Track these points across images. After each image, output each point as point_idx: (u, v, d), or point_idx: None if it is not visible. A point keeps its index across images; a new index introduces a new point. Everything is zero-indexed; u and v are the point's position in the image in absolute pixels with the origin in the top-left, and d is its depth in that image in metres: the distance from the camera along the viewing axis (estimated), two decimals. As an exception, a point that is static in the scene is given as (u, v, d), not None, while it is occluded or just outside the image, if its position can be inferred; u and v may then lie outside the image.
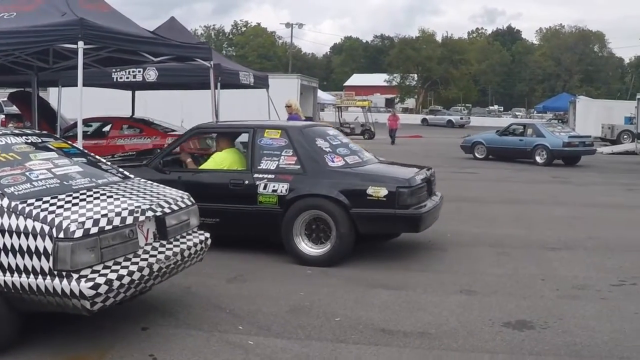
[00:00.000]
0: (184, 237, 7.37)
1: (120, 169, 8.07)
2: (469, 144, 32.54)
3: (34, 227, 5.81)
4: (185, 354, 6.38)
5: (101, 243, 5.97)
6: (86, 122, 13.91)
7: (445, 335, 7.04)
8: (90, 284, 5.74)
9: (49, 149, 7.43)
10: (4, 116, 29.06)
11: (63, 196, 6.36)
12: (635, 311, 7.86)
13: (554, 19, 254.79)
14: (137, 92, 21.83)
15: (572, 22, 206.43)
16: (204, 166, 11.07)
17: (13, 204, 5.98)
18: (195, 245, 7.38)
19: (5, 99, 28.05)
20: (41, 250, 5.76)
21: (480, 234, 12.29)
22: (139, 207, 6.67)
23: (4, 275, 5.89)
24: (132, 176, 7.93)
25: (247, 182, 10.25)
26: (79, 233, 5.78)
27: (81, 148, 8.56)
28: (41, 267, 5.77)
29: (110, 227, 6.10)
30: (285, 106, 17.30)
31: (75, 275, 5.75)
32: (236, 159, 10.92)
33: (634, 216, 15.47)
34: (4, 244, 5.87)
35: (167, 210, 7.07)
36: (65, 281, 5.73)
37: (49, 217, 5.85)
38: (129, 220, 6.38)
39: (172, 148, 11.51)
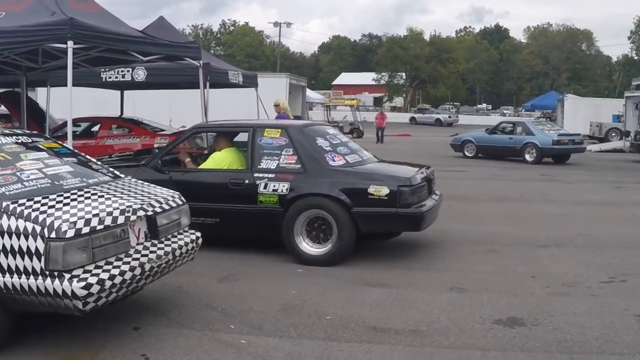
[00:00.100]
0: (175, 236, 7.36)
1: (111, 169, 8.05)
2: (459, 143, 32.59)
3: (25, 227, 5.79)
4: (178, 353, 6.38)
5: (93, 243, 5.96)
6: (75, 122, 13.89)
7: (436, 332, 7.06)
8: (82, 284, 5.73)
9: (39, 149, 7.42)
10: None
11: (54, 196, 6.35)
12: (625, 307, 7.89)
13: (542, 18, 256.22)
14: (125, 92, 21.79)
15: (560, 20, 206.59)
16: (203, 166, 11.03)
17: (4, 204, 5.96)
18: (186, 244, 7.38)
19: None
20: (33, 250, 5.75)
21: (470, 231, 12.31)
22: (130, 206, 6.66)
23: (-4, 276, 5.88)
24: (122, 176, 7.92)
25: (247, 181, 10.21)
26: (70, 233, 5.77)
27: (71, 148, 8.53)
28: (33, 268, 5.76)
29: (101, 226, 6.09)
30: (274, 105, 17.28)
31: (67, 275, 5.74)
32: (235, 159, 10.89)
33: (622, 213, 15.53)
34: (-4, 244, 5.85)
35: (158, 210, 7.07)
36: (57, 281, 5.72)
37: (41, 217, 5.83)
38: (121, 219, 6.37)
39: (170, 148, 11.46)
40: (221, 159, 10.88)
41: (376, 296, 8.36)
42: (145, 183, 7.97)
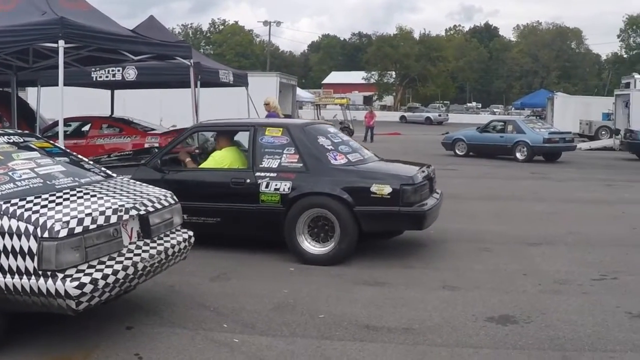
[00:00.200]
0: (168, 235, 7.35)
1: (103, 168, 8.04)
2: (450, 141, 32.62)
3: (18, 227, 5.78)
4: (171, 352, 6.38)
5: (86, 242, 5.95)
6: (65, 121, 13.86)
7: (429, 330, 7.07)
8: (76, 283, 5.72)
9: (31, 149, 7.40)
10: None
11: (47, 196, 6.33)
12: (617, 305, 7.92)
13: (531, 16, 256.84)
14: (115, 91, 21.74)
15: (549, 18, 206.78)
16: (204, 165, 10.97)
17: (-3, 204, 5.96)
18: (178, 243, 7.37)
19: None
20: (26, 250, 5.73)
21: (462, 230, 12.33)
22: (123, 205, 6.65)
23: (-11, 276, 5.86)
24: (114, 175, 7.91)
25: (248, 180, 10.16)
26: (63, 232, 5.76)
27: (63, 147, 8.52)
28: (26, 267, 5.74)
29: (94, 226, 6.08)
30: (264, 104, 17.28)
31: (60, 275, 5.72)
32: (236, 158, 10.86)
33: (613, 211, 15.57)
34: (-12, 244, 5.84)
35: (151, 209, 7.06)
36: (50, 281, 5.71)
37: (33, 217, 5.82)
38: (113, 219, 6.37)
39: (171, 147, 11.37)
40: (222, 158, 10.84)
41: (369, 294, 8.37)
42: (138, 182, 7.96)
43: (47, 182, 6.71)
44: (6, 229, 5.80)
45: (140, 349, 6.42)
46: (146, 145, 18.06)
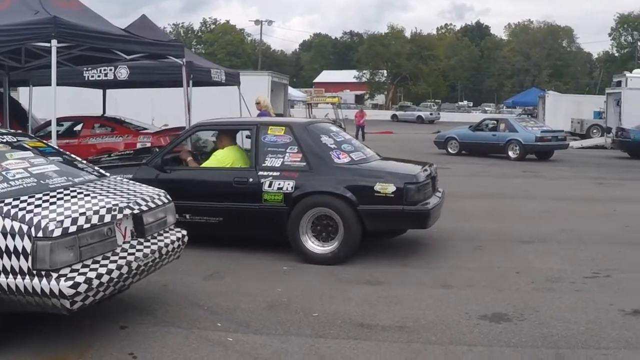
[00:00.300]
0: (161, 234, 7.35)
1: (96, 168, 8.03)
2: (442, 140, 32.67)
3: (12, 226, 5.77)
4: (165, 351, 6.38)
5: (80, 242, 5.95)
6: (57, 121, 13.79)
7: (423, 328, 7.09)
8: (70, 283, 5.71)
9: (24, 148, 7.39)
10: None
11: (40, 195, 6.33)
12: (609, 302, 7.94)
13: (523, 15, 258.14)
14: (107, 91, 21.70)
15: (541, 17, 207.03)
16: (206, 164, 10.91)
17: (-10, 203, 5.95)
18: (172, 242, 7.36)
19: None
20: (20, 249, 5.72)
21: (454, 228, 12.33)
22: (117, 205, 6.64)
23: (-17, 276, 5.85)
24: (107, 174, 7.90)
25: (251, 180, 10.12)
26: (57, 232, 5.75)
27: (56, 147, 8.50)
28: (20, 267, 5.73)
29: (88, 225, 6.08)
30: (255, 103, 17.30)
31: (54, 275, 5.71)
32: (238, 157, 10.83)
33: (604, 209, 15.60)
34: (-18, 244, 5.83)
35: (144, 208, 7.06)
36: (44, 280, 5.70)
37: (27, 217, 5.81)
38: (107, 218, 6.36)
39: (172, 146, 11.30)
40: (224, 157, 10.79)
41: (362, 293, 8.38)
42: (131, 181, 7.96)
43: (41, 181, 6.71)
44: (0, 228, 5.79)
45: (134, 348, 6.42)
46: (138, 145, 18.06)
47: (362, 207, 9.67)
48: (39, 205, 6.07)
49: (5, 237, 5.76)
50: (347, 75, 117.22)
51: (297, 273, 9.36)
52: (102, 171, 7.94)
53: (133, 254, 6.59)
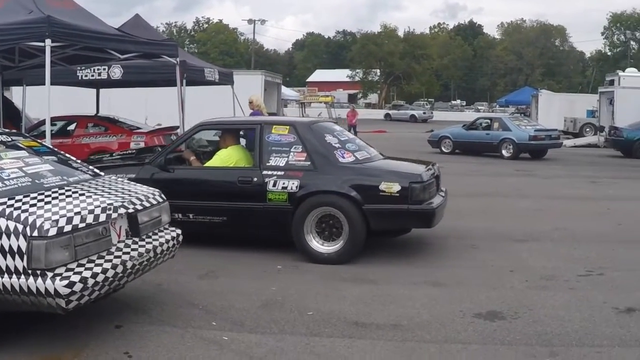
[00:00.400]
0: (156, 233, 7.35)
1: (91, 167, 8.03)
2: (436, 139, 32.69)
3: (7, 226, 5.76)
4: (160, 350, 6.38)
5: (75, 241, 5.94)
6: (51, 121, 13.76)
7: (417, 327, 7.11)
8: (65, 282, 5.72)
9: (19, 148, 7.38)
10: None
11: (35, 194, 6.32)
12: (603, 300, 7.97)
13: (515, 14, 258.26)
14: (100, 90, 21.68)
15: (533, 16, 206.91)
16: (209, 163, 10.86)
17: (-15, 203, 5.95)
18: (167, 241, 7.37)
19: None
20: (15, 249, 5.72)
21: (448, 227, 12.30)
22: (112, 204, 6.64)
23: (-22, 276, 5.84)
24: (102, 174, 7.90)
25: (255, 179, 10.08)
26: (53, 231, 5.75)
27: (51, 146, 8.50)
28: (15, 267, 5.73)
29: (83, 224, 6.08)
30: (248, 102, 17.31)
31: (50, 274, 5.72)
32: (242, 156, 10.79)
33: (598, 208, 15.64)
34: (-23, 244, 5.82)
35: (139, 207, 7.06)
36: (40, 280, 5.70)
37: (23, 216, 5.81)
38: (102, 217, 6.36)
39: (175, 145, 11.24)
40: (228, 157, 10.75)
41: (357, 292, 8.39)
42: (126, 181, 7.97)
43: (36, 181, 6.70)
44: (-5, 228, 5.79)
45: (129, 347, 6.42)
46: (132, 145, 18.07)
47: (367, 206, 9.66)
48: (34, 205, 6.06)
49: (0, 236, 5.76)
50: (340, 75, 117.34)
51: (291, 272, 9.38)
52: (97, 170, 7.94)
53: (128, 253, 6.60)
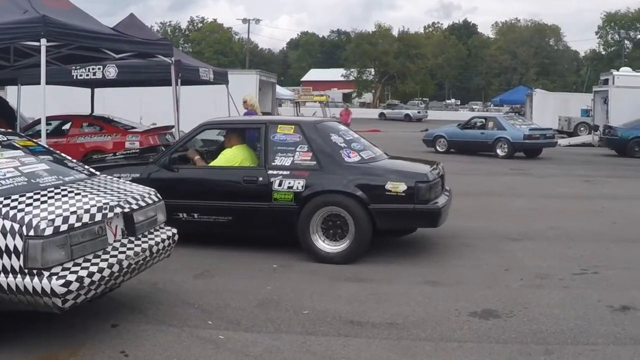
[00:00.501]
0: (152, 233, 7.36)
1: (86, 166, 8.03)
2: (431, 138, 32.71)
3: (3, 225, 5.77)
4: (156, 349, 6.39)
5: (71, 240, 5.95)
6: (46, 120, 13.74)
7: (413, 325, 7.13)
8: (62, 281, 5.72)
9: (15, 147, 7.39)
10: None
11: (31, 194, 6.33)
12: (598, 299, 8.00)
13: (510, 13, 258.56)
14: (95, 90, 21.66)
15: (528, 15, 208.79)
16: (214, 163, 10.83)
17: (-19, 202, 5.95)
18: (162, 241, 7.38)
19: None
20: (11, 248, 5.73)
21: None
22: (107, 203, 6.66)
23: (-26, 275, 5.85)
24: (98, 173, 7.90)
25: (261, 179, 10.05)
26: (49, 231, 5.76)
27: (46, 146, 8.50)
28: (11, 266, 5.74)
29: (79, 224, 6.09)
30: (242, 102, 17.32)
31: (46, 273, 5.72)
32: (247, 156, 10.75)
33: (592, 207, 15.69)
34: (-27, 243, 5.82)
35: (135, 207, 7.07)
36: (36, 279, 5.71)
37: (19, 215, 5.82)
38: (98, 217, 6.37)
39: (180, 145, 11.20)
40: (233, 156, 10.71)
41: (352, 290, 8.41)
42: (121, 180, 7.98)
43: (32, 180, 6.70)
44: (-9, 227, 5.79)
45: (126, 346, 6.43)
46: (127, 144, 18.08)
47: (373, 206, 9.65)
48: (30, 204, 6.07)
49: (-4, 236, 5.77)
50: (335, 74, 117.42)
51: (287, 271, 9.38)
52: (92, 170, 7.94)
53: (124, 252, 6.60)
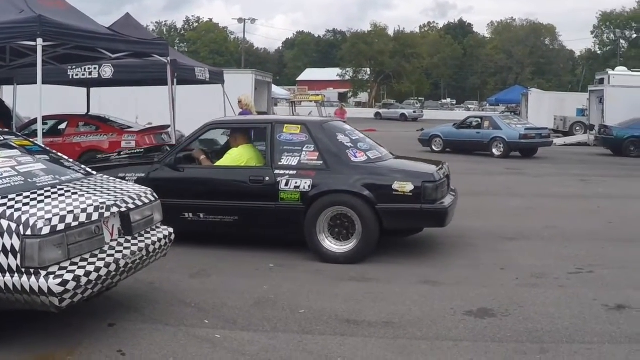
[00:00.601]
0: (148, 232, 7.37)
1: (83, 166, 8.04)
2: (427, 137, 32.72)
3: (0, 224, 5.78)
4: (153, 348, 6.41)
5: (68, 239, 5.96)
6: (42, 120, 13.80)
7: (409, 324, 7.15)
8: (59, 280, 5.74)
9: (11, 147, 7.38)
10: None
11: (28, 193, 6.34)
12: (593, 298, 8.03)
13: (505, 13, 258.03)
14: (91, 89, 21.65)
15: (523, 15, 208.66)
16: (220, 163, 10.80)
17: (-22, 202, 5.96)
18: (159, 240, 7.38)
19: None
20: (8, 247, 5.74)
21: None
22: (104, 203, 6.66)
23: (-28, 275, 5.86)
24: (94, 173, 7.91)
25: (267, 178, 10.04)
26: (46, 230, 5.77)
27: (43, 145, 8.51)
28: (9, 265, 5.75)
29: (76, 223, 6.10)
30: (237, 102, 17.34)
31: (43, 272, 5.74)
32: (253, 155, 10.72)
33: (588, 206, 15.73)
34: (-29, 243, 5.83)
35: (132, 206, 7.08)
36: (33, 278, 5.72)
37: (16, 215, 5.83)
38: (95, 216, 6.38)
39: (185, 144, 11.15)
40: (239, 156, 10.68)
41: (348, 289, 8.43)
42: (117, 180, 7.98)
43: (29, 180, 6.71)
44: (-12, 227, 5.80)
45: (122, 345, 6.45)
46: (123, 144, 18.08)
47: (380, 205, 9.65)
48: (27, 204, 6.08)
49: (-7, 235, 5.78)
50: (331, 73, 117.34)
51: (283, 270, 9.40)
52: (89, 169, 7.94)
53: (120, 251, 6.61)
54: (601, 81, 37.41)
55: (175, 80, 16.19)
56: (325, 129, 10.60)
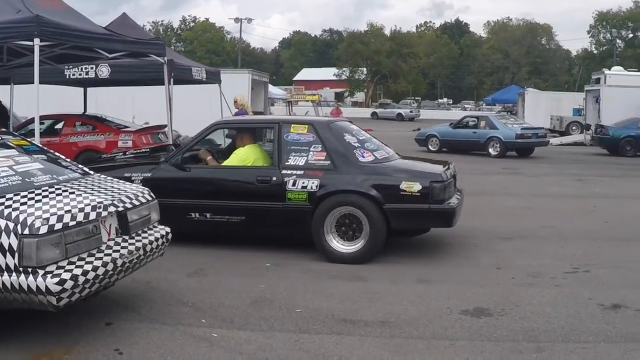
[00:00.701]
0: (146, 232, 7.38)
1: (80, 166, 8.05)
2: (423, 137, 32.73)
3: (-2, 224, 5.81)
4: (150, 347, 6.42)
5: (66, 239, 5.98)
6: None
7: (405, 323, 7.17)
8: (56, 279, 5.75)
9: (8, 147, 7.39)
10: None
11: (26, 193, 6.35)
12: (589, 297, 8.05)
13: (502, 12, 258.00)
14: (88, 89, 21.65)
15: (520, 15, 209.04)
16: (227, 163, 10.78)
17: (-24, 201, 5.97)
18: (156, 239, 7.40)
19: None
20: (6, 247, 5.75)
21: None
22: (101, 202, 6.67)
23: (-31, 274, 5.87)
24: (91, 172, 7.92)
25: (274, 178, 10.03)
26: (43, 229, 5.79)
27: (40, 145, 8.52)
28: (6, 264, 5.76)
29: (74, 222, 6.11)
30: (233, 101, 17.36)
31: (40, 272, 5.75)
32: (259, 155, 10.72)
33: (584, 205, 15.75)
34: (-31, 242, 5.84)
35: (129, 206, 7.09)
36: (31, 277, 5.73)
37: (14, 214, 5.84)
38: (92, 215, 6.39)
39: (192, 144, 11.10)
40: (246, 155, 10.66)
41: (344, 289, 8.44)
42: (115, 179, 7.98)
43: (26, 179, 6.72)
44: (-14, 226, 5.82)
45: (120, 344, 6.46)
46: (120, 144, 18.10)
47: (388, 205, 9.64)
48: (25, 203, 6.09)
49: (-9, 234, 5.79)
50: (327, 73, 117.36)
51: (280, 270, 9.41)
52: (86, 169, 7.95)
53: (118, 251, 6.63)
54: (597, 81, 37.50)
55: (172, 80, 16.20)
56: (333, 129, 10.59)
